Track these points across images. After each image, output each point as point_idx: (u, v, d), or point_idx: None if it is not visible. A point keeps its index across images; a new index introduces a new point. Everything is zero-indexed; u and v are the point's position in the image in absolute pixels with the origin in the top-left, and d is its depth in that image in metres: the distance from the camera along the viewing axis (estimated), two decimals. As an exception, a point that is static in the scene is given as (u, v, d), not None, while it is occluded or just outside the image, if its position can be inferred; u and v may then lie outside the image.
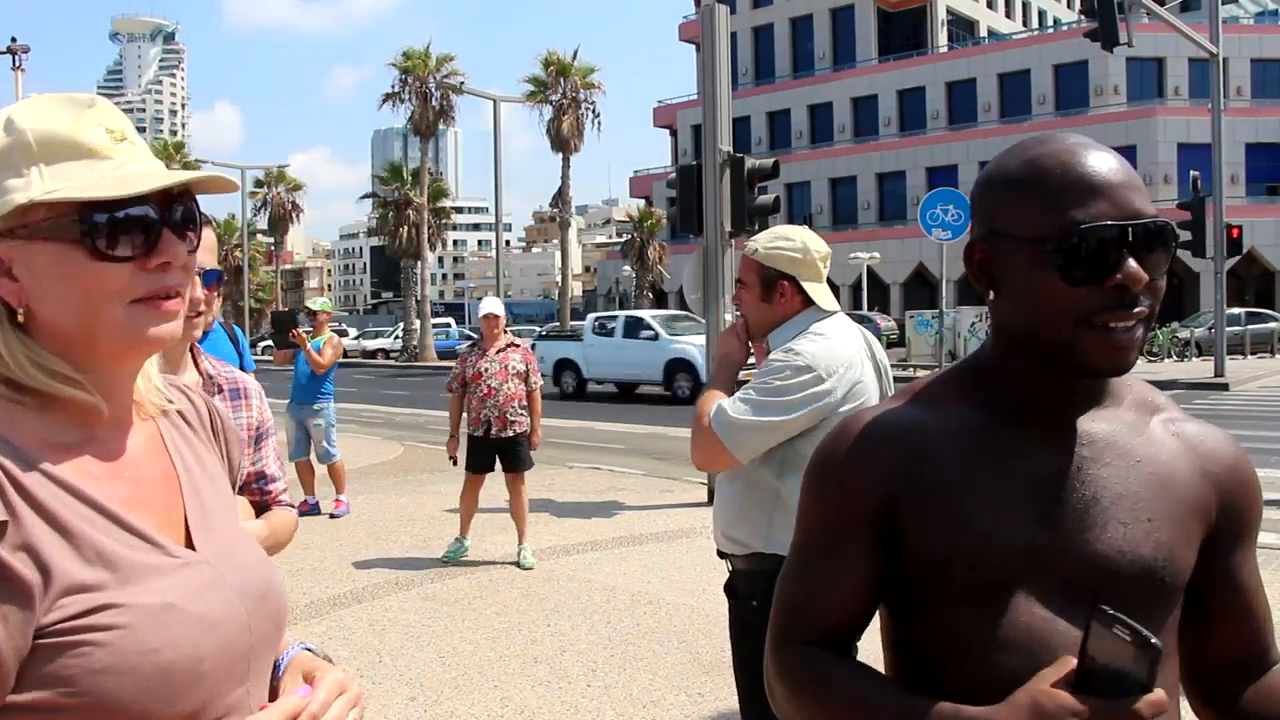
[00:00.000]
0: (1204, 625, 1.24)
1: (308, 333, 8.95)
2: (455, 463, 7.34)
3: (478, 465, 7.16)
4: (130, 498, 0.99)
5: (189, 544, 1.03)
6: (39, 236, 0.94)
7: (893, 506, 1.20)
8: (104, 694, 0.88)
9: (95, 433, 1.00)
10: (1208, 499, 1.20)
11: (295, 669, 1.13)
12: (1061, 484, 1.14)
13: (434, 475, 11.17)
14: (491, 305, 7.27)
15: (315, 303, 9.37)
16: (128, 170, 0.96)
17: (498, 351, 7.05)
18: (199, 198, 1.04)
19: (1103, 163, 1.11)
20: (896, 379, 2.76)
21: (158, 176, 0.97)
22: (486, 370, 6.99)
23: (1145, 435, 1.19)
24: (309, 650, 1.17)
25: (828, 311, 2.70)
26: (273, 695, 1.09)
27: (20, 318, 0.96)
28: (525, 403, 7.10)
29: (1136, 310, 1.10)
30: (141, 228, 0.96)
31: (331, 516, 8.81)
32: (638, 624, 5.74)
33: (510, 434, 7.03)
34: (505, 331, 7.27)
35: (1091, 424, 1.18)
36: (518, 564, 6.98)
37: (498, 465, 7.13)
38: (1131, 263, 1.08)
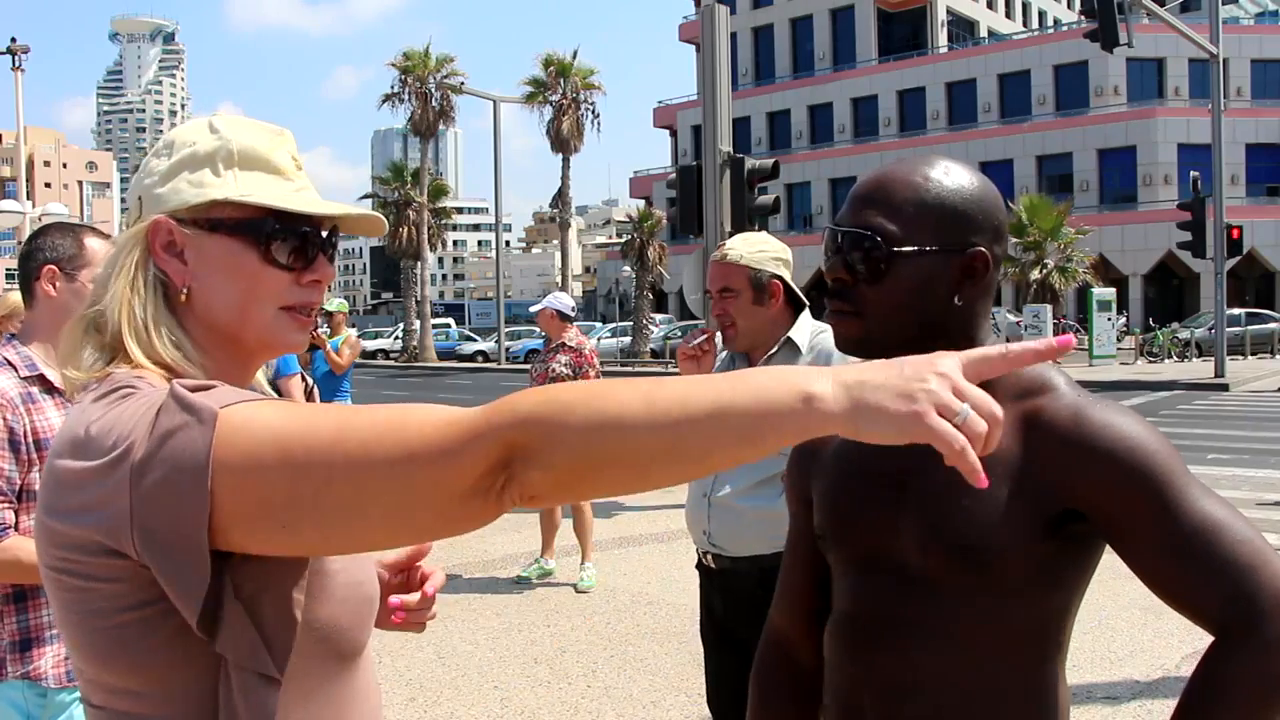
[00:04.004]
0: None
1: (325, 334, 8.96)
2: None
3: None
4: None
5: None
6: (221, 231, 1.07)
7: (810, 494, 1.46)
8: (331, 618, 1.05)
9: None
10: (1039, 477, 1.23)
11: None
12: (911, 476, 1.30)
13: (434, 475, 11.15)
14: (549, 301, 6.69)
15: (331, 304, 9.38)
16: (305, 194, 1.11)
17: (549, 352, 6.63)
18: None
19: (862, 180, 1.34)
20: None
21: (329, 204, 1.12)
22: (534, 372, 6.65)
23: None
24: None
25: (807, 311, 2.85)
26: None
27: (183, 298, 1.07)
28: None
29: (835, 305, 1.32)
30: (305, 245, 1.09)
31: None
32: (638, 624, 5.74)
33: None
34: (570, 327, 6.66)
35: None
36: (574, 586, 6.51)
37: None
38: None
